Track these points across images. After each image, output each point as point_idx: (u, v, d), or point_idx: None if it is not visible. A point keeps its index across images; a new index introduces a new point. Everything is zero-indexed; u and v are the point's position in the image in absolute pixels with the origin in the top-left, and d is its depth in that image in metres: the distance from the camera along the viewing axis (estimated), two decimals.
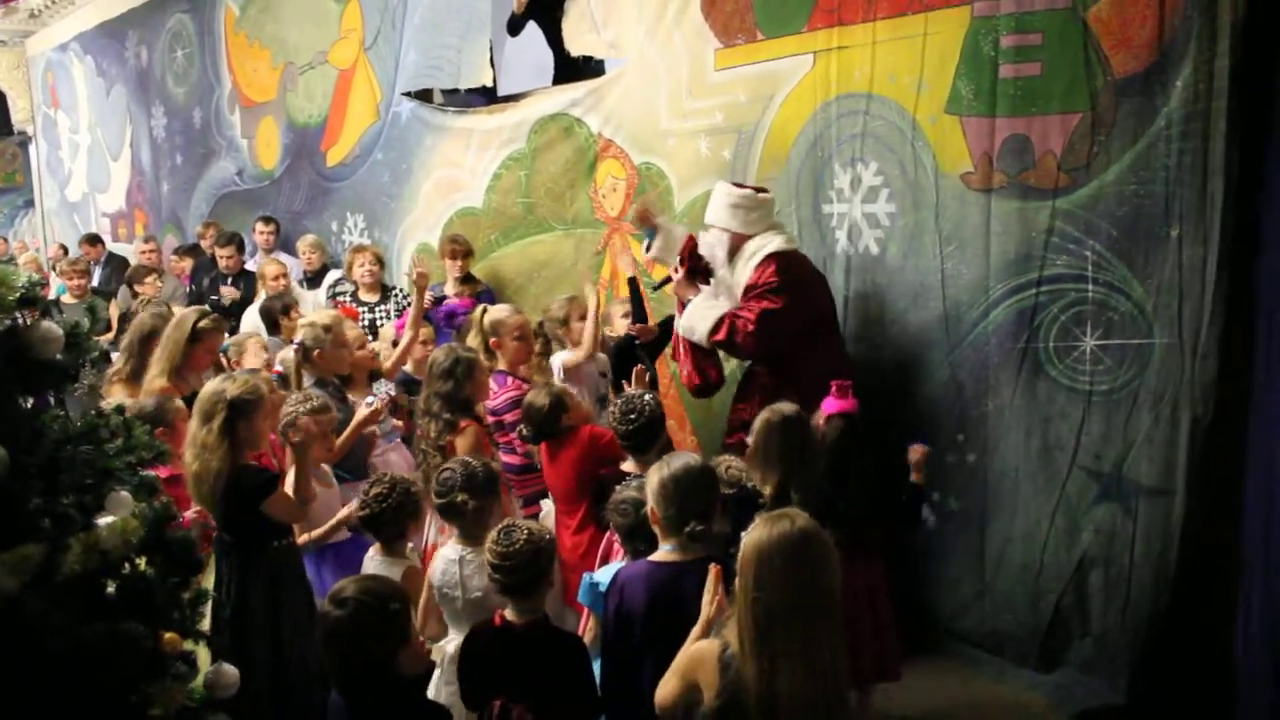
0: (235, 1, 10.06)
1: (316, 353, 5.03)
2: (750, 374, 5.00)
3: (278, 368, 5.40)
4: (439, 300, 6.92)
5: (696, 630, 2.90)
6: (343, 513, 4.31)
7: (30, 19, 14.38)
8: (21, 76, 15.41)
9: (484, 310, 5.37)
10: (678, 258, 5.04)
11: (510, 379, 5.16)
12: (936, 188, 4.76)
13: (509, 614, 3.19)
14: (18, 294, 2.99)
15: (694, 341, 4.90)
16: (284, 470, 4.32)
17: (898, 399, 4.91)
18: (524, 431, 4.55)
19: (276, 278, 7.86)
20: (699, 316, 4.83)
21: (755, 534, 2.64)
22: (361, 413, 4.85)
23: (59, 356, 3.09)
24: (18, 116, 15.55)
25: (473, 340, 5.27)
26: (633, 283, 5.63)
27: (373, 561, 3.97)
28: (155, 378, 5.17)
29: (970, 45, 4.55)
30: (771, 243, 4.70)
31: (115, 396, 5.25)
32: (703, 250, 4.91)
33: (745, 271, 4.71)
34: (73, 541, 2.89)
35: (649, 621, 3.26)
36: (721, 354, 5.02)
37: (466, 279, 7.07)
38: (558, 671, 3.19)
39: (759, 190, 4.90)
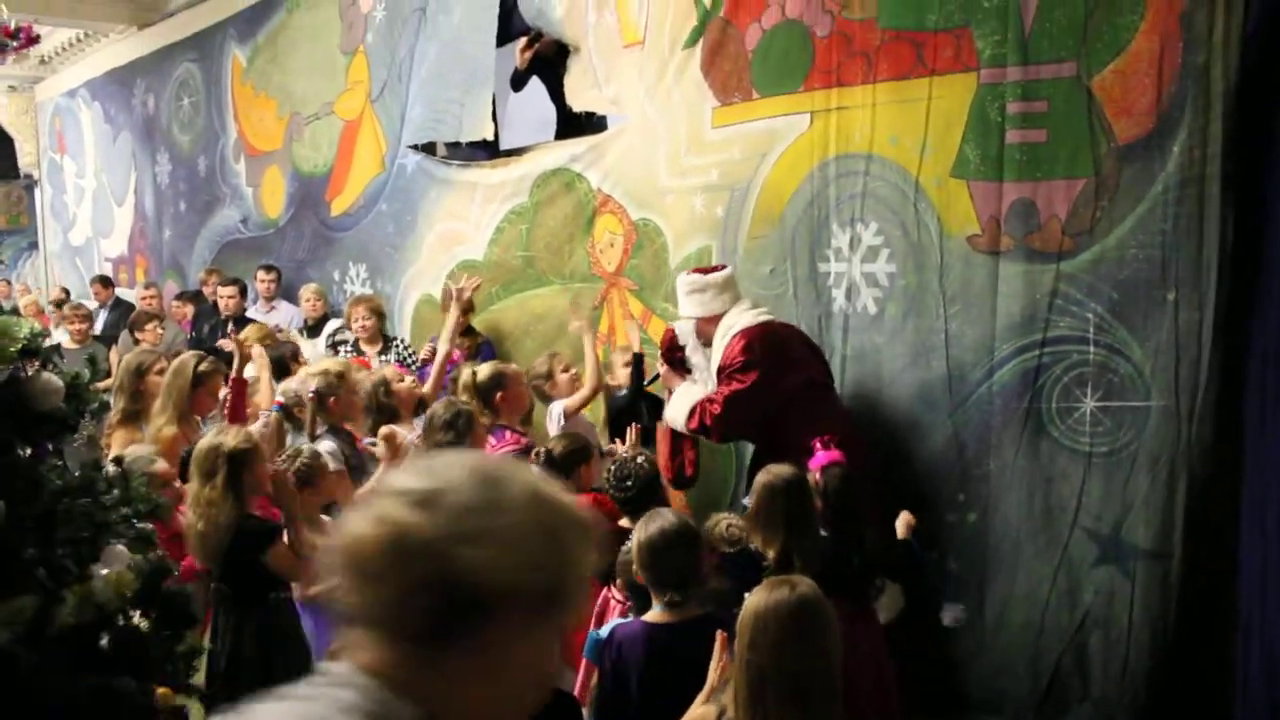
0: (243, 52, 10.16)
1: (331, 400, 5.05)
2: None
3: (279, 398, 5.41)
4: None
5: (701, 696, 2.88)
6: None
7: (40, 65, 14.53)
8: (30, 121, 15.54)
9: (473, 373, 5.35)
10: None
11: (509, 433, 5.15)
12: (941, 249, 4.77)
13: None
14: (19, 344, 3.01)
15: (676, 431, 4.96)
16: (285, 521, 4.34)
17: (897, 457, 4.90)
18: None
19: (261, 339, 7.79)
20: (677, 406, 4.89)
21: (755, 599, 2.65)
22: (382, 465, 4.89)
23: (59, 407, 3.11)
24: (24, 160, 15.66)
25: (465, 400, 5.23)
26: (638, 359, 5.63)
27: None
28: (164, 426, 5.18)
29: (977, 111, 4.59)
30: (740, 320, 4.75)
31: (117, 441, 5.26)
32: (680, 340, 5.01)
33: (717, 356, 4.77)
34: (67, 594, 2.89)
35: (644, 681, 3.26)
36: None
37: (466, 331, 7.09)
38: None
39: (710, 270, 4.98)
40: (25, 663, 2.70)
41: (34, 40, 9.40)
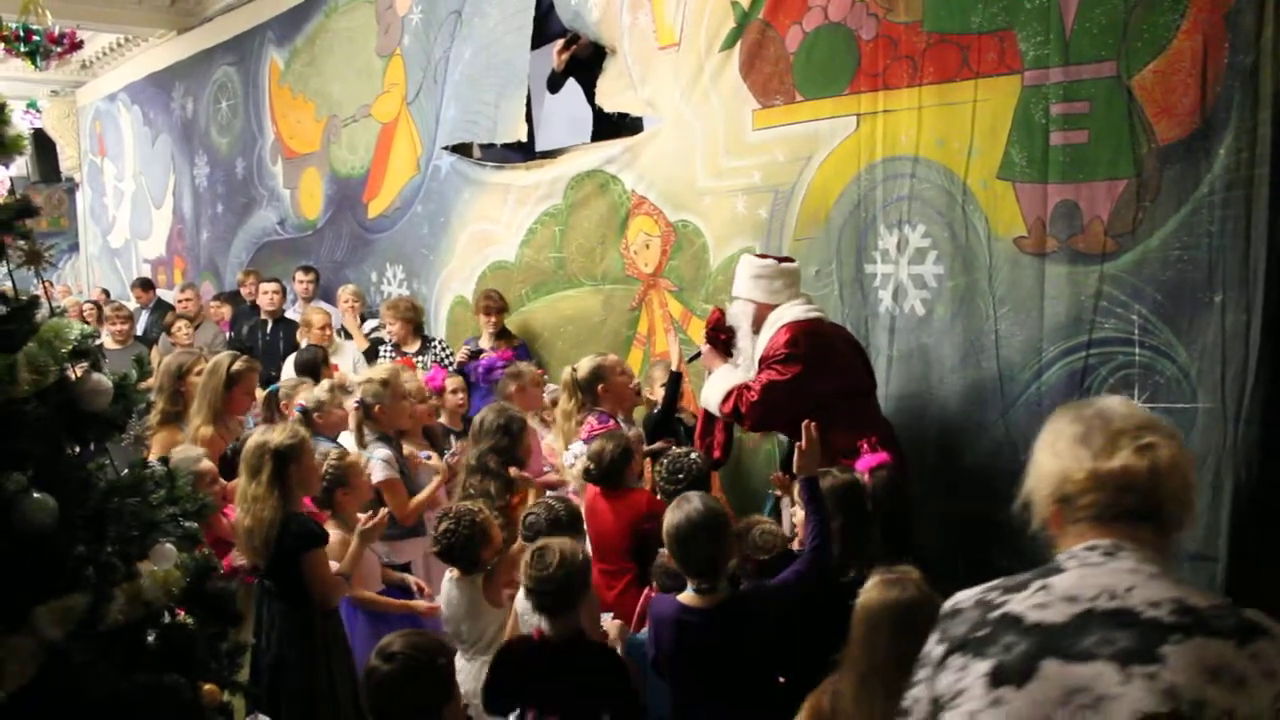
0: (280, 55, 10.25)
1: (377, 408, 5.06)
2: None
3: (301, 401, 5.44)
4: (475, 354, 6.97)
5: None
6: (415, 605, 4.46)
7: (82, 69, 14.71)
8: (71, 125, 15.73)
9: (573, 369, 5.32)
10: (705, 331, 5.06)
11: (612, 420, 5.11)
12: (990, 251, 4.75)
13: (545, 629, 3.35)
14: (70, 346, 3.03)
15: (709, 413, 4.92)
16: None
17: (946, 458, 4.89)
18: (590, 469, 4.54)
19: (323, 328, 7.91)
20: (715, 387, 4.84)
21: (869, 595, 2.77)
22: (438, 480, 5.00)
23: (108, 407, 3.14)
24: (66, 164, 15.85)
25: (565, 402, 5.25)
26: (675, 378, 5.44)
27: (450, 583, 4.10)
28: (200, 426, 5.23)
29: (1021, 113, 4.57)
30: (790, 312, 4.66)
31: (158, 442, 5.31)
32: (730, 322, 4.90)
33: (763, 343, 4.70)
34: (117, 592, 2.92)
35: (676, 663, 3.37)
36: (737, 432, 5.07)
37: (502, 334, 7.12)
38: (591, 680, 3.32)
39: (783, 260, 4.89)
40: (77, 659, 2.73)
41: (77, 45, 9.52)
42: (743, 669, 3.32)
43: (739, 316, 4.85)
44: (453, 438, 5.71)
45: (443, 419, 5.98)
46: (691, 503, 3.40)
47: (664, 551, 3.65)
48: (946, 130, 4.89)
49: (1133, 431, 1.89)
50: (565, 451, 5.14)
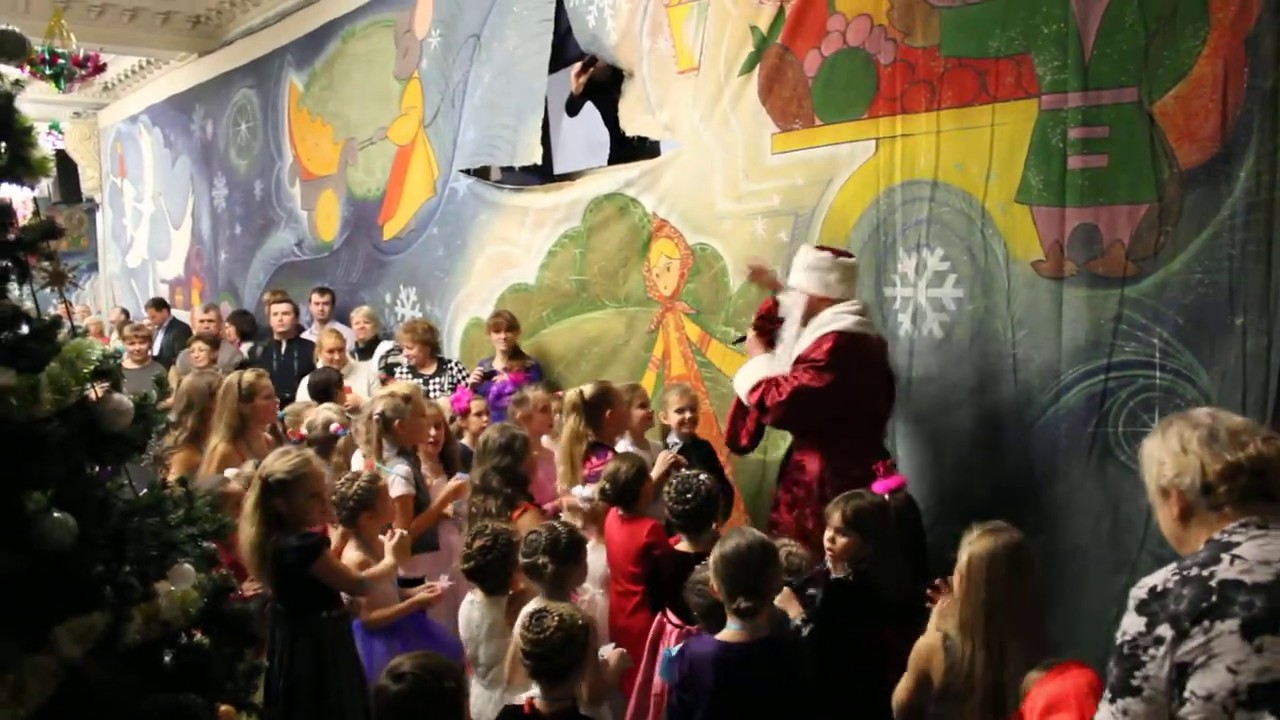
0: (300, 78, 10.32)
1: (397, 423, 5.05)
2: (788, 452, 4.98)
3: (302, 431, 5.44)
4: (488, 375, 6.97)
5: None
6: (419, 596, 4.35)
7: (104, 92, 14.84)
8: (93, 147, 15.87)
9: (580, 391, 5.25)
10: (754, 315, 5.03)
11: (610, 452, 5.04)
12: (1008, 274, 4.75)
13: (538, 701, 3.14)
14: (92, 366, 3.05)
15: (740, 398, 4.89)
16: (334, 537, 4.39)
17: (964, 481, 4.87)
18: (605, 489, 4.53)
19: (333, 350, 7.93)
20: (748, 373, 4.82)
21: (980, 543, 3.13)
22: (449, 487, 4.95)
23: (128, 428, 3.15)
24: (87, 185, 15.96)
25: (573, 422, 5.18)
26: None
27: (471, 604, 4.06)
28: (218, 444, 5.24)
29: (1039, 137, 4.57)
30: (842, 320, 4.62)
31: (177, 462, 5.33)
32: (782, 312, 4.85)
33: (807, 340, 4.66)
34: (135, 611, 2.92)
35: (715, 701, 3.28)
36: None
37: (514, 354, 7.11)
38: None
39: (841, 254, 4.86)
40: (95, 678, 2.73)
41: (100, 68, 9.60)
42: (787, 706, 3.30)
43: (792, 306, 4.81)
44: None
45: (464, 440, 5.97)
46: (742, 534, 3.44)
47: (697, 576, 3.66)
48: (964, 154, 4.89)
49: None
50: (564, 474, 5.13)
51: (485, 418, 6.13)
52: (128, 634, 2.87)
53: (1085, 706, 2.63)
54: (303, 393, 7.64)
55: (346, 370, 7.81)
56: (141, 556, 2.98)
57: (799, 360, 4.63)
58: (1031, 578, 3.17)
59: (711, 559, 3.38)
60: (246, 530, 3.94)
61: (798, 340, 4.70)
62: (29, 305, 3.04)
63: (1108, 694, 2.27)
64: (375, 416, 5.04)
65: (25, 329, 2.98)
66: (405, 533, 4.39)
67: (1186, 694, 2.12)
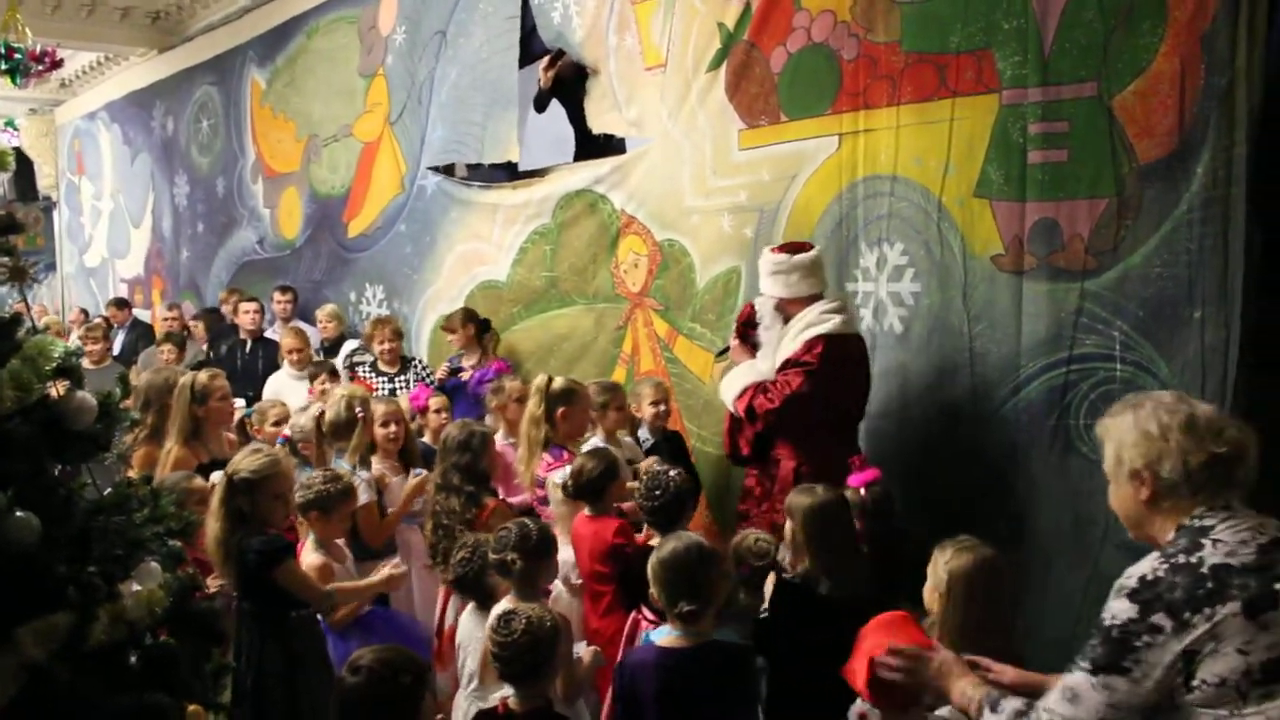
0: (262, 75, 10.24)
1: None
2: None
3: (286, 431, 5.41)
4: (455, 371, 6.96)
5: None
6: (374, 578, 4.23)
7: (61, 88, 14.66)
8: (49, 144, 15.67)
9: (549, 379, 5.17)
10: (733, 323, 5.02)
11: (565, 453, 4.99)
12: (965, 268, 4.79)
13: (511, 701, 3.14)
14: (54, 363, 3.02)
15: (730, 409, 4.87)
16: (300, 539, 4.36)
17: (925, 474, 4.90)
18: (568, 486, 4.51)
19: (294, 350, 7.81)
20: (734, 382, 4.80)
21: (956, 562, 3.11)
22: (411, 484, 4.94)
23: (92, 426, 3.12)
24: (43, 183, 15.77)
25: (534, 404, 5.11)
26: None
27: (468, 615, 4.05)
28: (173, 447, 5.18)
29: (999, 132, 4.61)
30: (828, 322, 4.61)
31: (140, 459, 5.28)
32: (758, 318, 4.84)
33: (791, 343, 4.65)
34: (100, 612, 2.90)
35: (659, 710, 3.25)
36: None
37: (480, 350, 7.08)
38: None
39: (798, 251, 4.81)
40: (60, 680, 2.71)
41: (58, 64, 9.51)
42: (733, 714, 3.29)
43: (764, 313, 4.81)
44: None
45: (425, 438, 5.95)
46: (677, 537, 3.41)
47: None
48: (924, 149, 4.93)
49: (1220, 415, 2.40)
50: (522, 456, 5.11)
51: (445, 414, 6.12)
52: (93, 634, 2.84)
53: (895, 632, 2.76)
54: (273, 385, 7.60)
55: (298, 374, 7.69)
56: (106, 555, 2.95)
57: (786, 364, 4.62)
58: (1006, 592, 3.22)
59: (650, 564, 3.36)
60: (212, 526, 3.90)
61: (780, 343, 4.70)
62: None
63: (1086, 665, 2.30)
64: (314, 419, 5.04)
65: None
66: (401, 565, 4.33)
67: (1195, 681, 2.17)
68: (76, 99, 14.82)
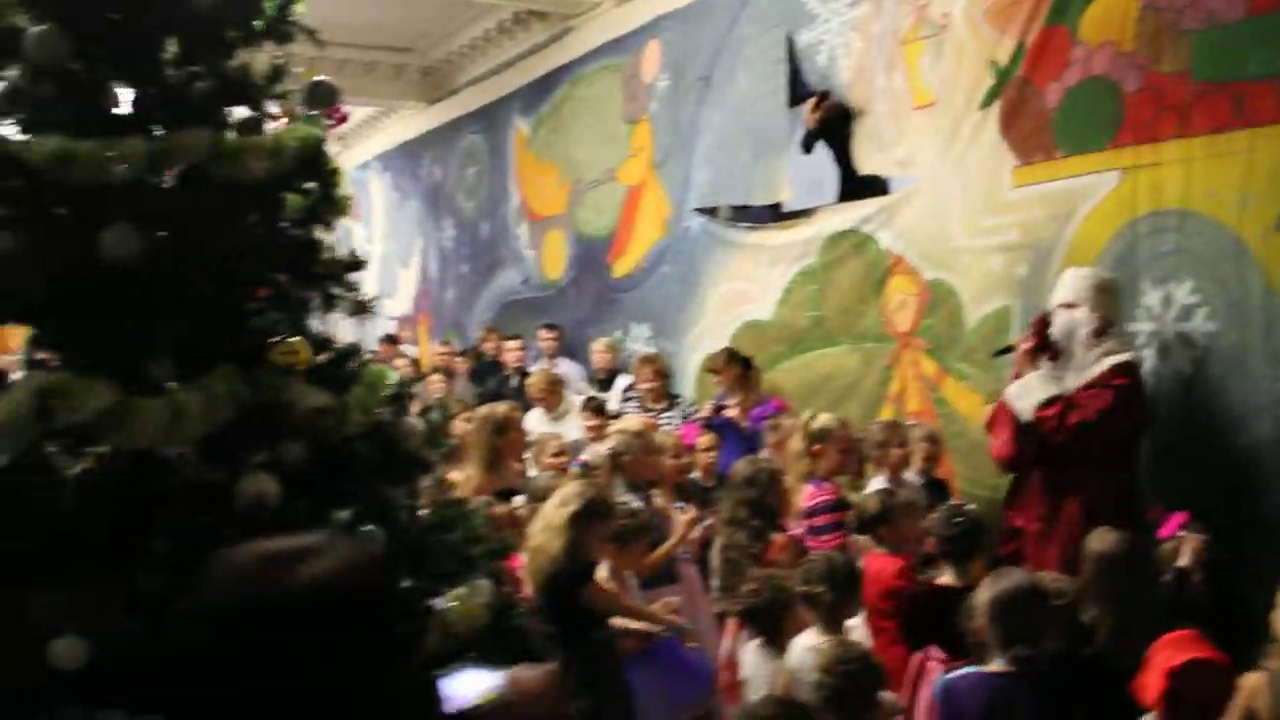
0: (526, 123, 10.71)
1: (627, 458, 5.20)
2: (1022, 481, 4.87)
3: (584, 456, 5.60)
4: (719, 409, 7.07)
5: None
6: (656, 606, 4.40)
7: (338, 141, 15.71)
8: None
9: (812, 416, 5.31)
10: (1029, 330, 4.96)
11: (825, 484, 5.08)
12: (1265, 307, 4.60)
13: None
14: (389, 391, 3.29)
15: (1015, 413, 4.78)
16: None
17: (1219, 526, 4.67)
18: (852, 522, 4.56)
19: (543, 391, 8.04)
20: (1035, 388, 4.71)
21: None
22: (683, 521, 5.00)
23: (419, 449, 3.37)
24: None
25: (796, 440, 5.24)
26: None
27: (751, 652, 4.08)
28: (472, 474, 5.47)
29: None
30: (1129, 350, 4.62)
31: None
32: (1057, 329, 4.77)
33: (1098, 364, 4.61)
34: (430, 626, 3.10)
35: None
36: None
37: (745, 389, 7.17)
38: None
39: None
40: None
41: (344, 119, 10.20)
42: None
43: (1080, 324, 4.73)
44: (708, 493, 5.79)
45: (695, 474, 6.08)
46: (1011, 575, 3.43)
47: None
48: (1218, 181, 4.77)
49: None
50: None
51: (714, 453, 6.23)
52: (427, 647, 3.04)
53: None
54: (532, 418, 7.91)
55: (561, 411, 7.99)
56: (439, 573, 3.16)
57: (1092, 384, 4.57)
58: None
59: (982, 600, 3.34)
60: (550, 540, 4.09)
61: (1086, 361, 4.64)
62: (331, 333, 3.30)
63: None
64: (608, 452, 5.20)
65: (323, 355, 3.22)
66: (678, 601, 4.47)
67: None
68: (350, 151, 15.84)
